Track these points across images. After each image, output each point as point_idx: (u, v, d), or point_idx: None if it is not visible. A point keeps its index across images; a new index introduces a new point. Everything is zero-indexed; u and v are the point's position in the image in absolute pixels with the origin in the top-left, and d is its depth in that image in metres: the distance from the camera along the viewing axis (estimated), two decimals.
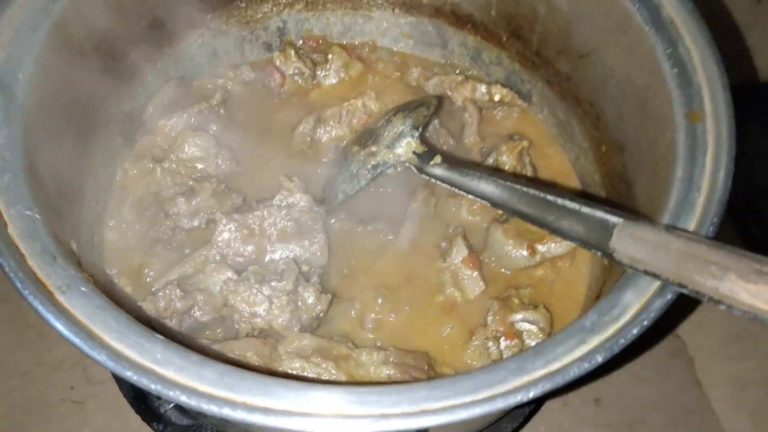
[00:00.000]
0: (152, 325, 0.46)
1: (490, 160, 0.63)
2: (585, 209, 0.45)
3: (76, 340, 0.37)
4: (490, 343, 0.56)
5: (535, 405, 0.64)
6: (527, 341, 0.57)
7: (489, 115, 0.67)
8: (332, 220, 0.61)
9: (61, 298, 0.39)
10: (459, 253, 0.60)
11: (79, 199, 0.54)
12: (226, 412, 0.35)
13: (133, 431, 0.62)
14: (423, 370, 0.55)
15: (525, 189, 0.48)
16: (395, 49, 0.71)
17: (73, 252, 0.47)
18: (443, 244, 0.61)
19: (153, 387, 0.36)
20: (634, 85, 0.53)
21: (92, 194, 0.57)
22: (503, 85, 0.66)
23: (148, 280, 0.57)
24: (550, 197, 0.46)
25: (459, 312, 0.59)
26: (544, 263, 0.60)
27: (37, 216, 0.42)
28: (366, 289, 0.59)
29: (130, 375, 0.36)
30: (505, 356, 0.56)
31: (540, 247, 0.59)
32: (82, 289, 0.40)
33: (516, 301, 0.58)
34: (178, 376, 0.37)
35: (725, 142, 0.46)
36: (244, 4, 0.67)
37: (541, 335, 0.56)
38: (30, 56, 0.48)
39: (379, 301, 0.58)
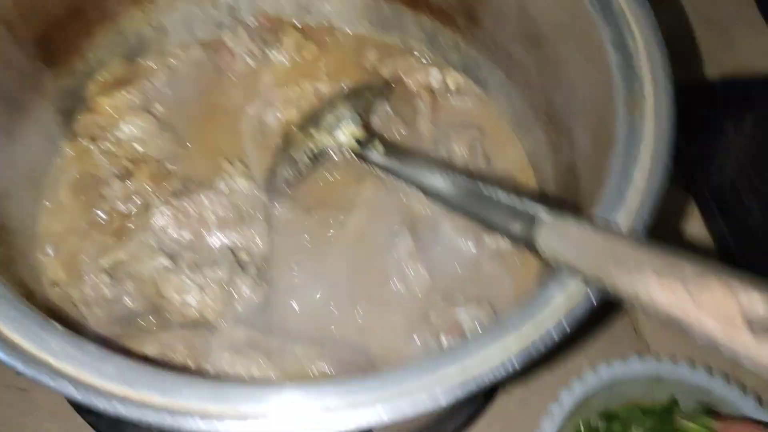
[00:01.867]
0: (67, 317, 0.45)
1: (443, 150, 0.62)
2: (512, 200, 0.44)
3: None
4: (432, 340, 0.55)
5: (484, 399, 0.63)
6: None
7: (444, 103, 0.66)
8: (276, 207, 0.60)
9: None
10: (405, 246, 0.58)
11: (13, 182, 0.53)
12: (118, 408, 0.34)
13: (80, 420, 0.61)
14: (360, 366, 0.54)
15: (458, 179, 0.47)
16: (351, 32, 0.70)
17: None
18: (390, 236, 0.60)
19: (44, 380, 0.35)
20: (584, 76, 0.51)
21: (27, 176, 0.56)
22: (459, 72, 0.65)
23: (83, 266, 0.56)
24: (480, 187, 0.45)
25: (402, 307, 0.57)
26: (493, 258, 0.59)
27: None
28: (307, 280, 0.58)
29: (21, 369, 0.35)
30: None
31: (488, 241, 0.58)
32: None
33: (461, 296, 0.57)
34: (73, 369, 0.36)
35: (664, 134, 0.44)
36: None
37: None
38: None
39: (319, 293, 0.57)
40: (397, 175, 0.52)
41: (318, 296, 0.57)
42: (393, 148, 0.55)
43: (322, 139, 0.57)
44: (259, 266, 0.57)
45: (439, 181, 0.49)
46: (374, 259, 0.58)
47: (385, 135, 0.62)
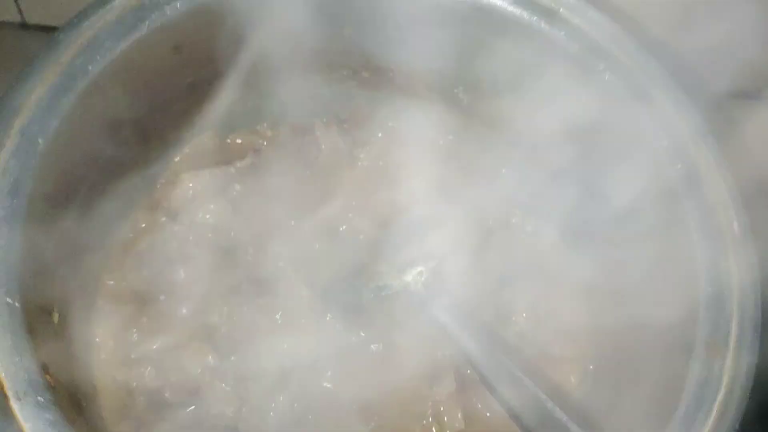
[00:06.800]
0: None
1: None
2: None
3: None
4: None
5: None
6: None
7: None
8: (327, 317, 0.62)
9: (15, 405, 0.41)
10: (447, 385, 0.60)
11: (78, 256, 0.56)
12: None
13: None
14: None
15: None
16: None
17: (52, 324, 0.49)
18: (434, 371, 0.61)
19: None
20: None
21: (96, 248, 0.59)
22: None
23: (133, 338, 0.59)
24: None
25: None
26: None
27: (16, 305, 0.44)
28: (346, 401, 0.60)
29: None
30: None
31: None
32: (39, 398, 0.41)
33: None
34: None
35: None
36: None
37: None
38: (56, 119, 0.50)
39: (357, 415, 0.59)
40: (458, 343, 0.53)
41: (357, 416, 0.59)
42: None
43: (387, 275, 0.59)
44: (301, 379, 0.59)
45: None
46: (414, 391, 0.60)
47: None
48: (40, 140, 0.48)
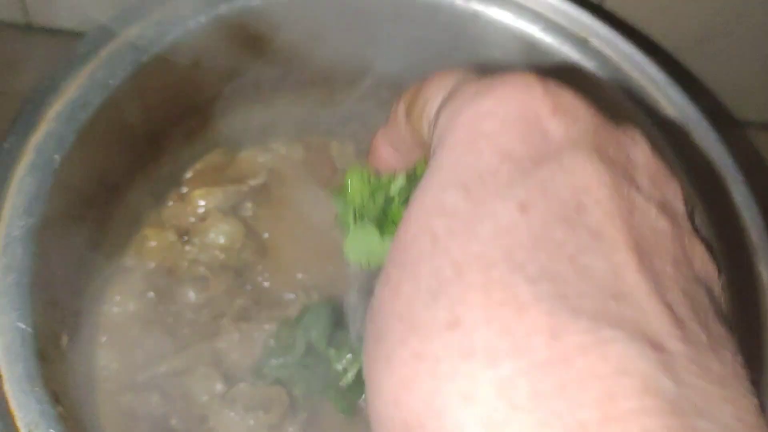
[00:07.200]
0: None
1: None
2: None
3: None
4: None
5: None
6: None
7: None
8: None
9: None
10: None
11: (87, 276, 0.54)
12: None
13: None
14: None
15: None
16: None
17: (61, 349, 0.47)
18: None
19: None
20: None
21: (104, 267, 0.57)
22: None
23: (138, 361, 0.57)
24: None
25: None
26: None
27: (29, 330, 0.42)
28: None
29: None
30: None
31: None
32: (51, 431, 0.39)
33: None
34: None
35: None
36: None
37: None
38: (73, 135, 0.48)
39: None
40: None
41: None
42: None
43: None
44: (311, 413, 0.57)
45: None
46: None
47: None
48: (56, 156, 0.46)
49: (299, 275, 0.62)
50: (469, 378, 0.20)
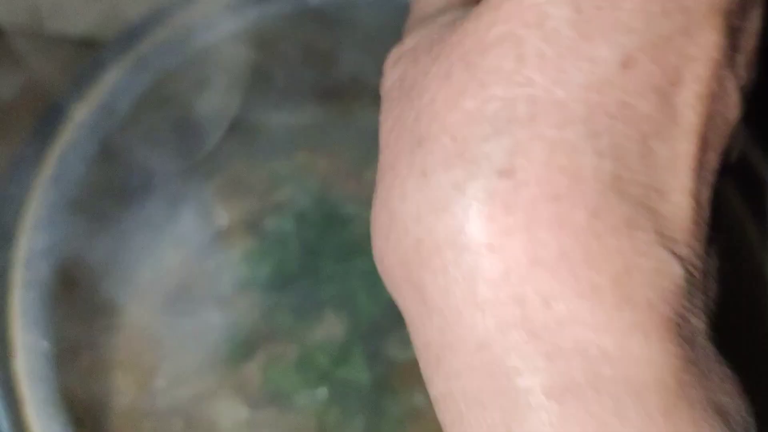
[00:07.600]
0: None
1: None
2: None
3: None
4: None
5: None
6: None
7: None
8: None
9: None
10: None
11: (106, 292, 0.52)
12: None
13: None
14: None
15: None
16: None
17: (80, 370, 0.44)
18: None
19: None
20: None
21: (123, 284, 0.55)
22: None
23: (158, 384, 0.55)
24: None
25: None
26: None
27: (54, 349, 0.39)
28: None
29: None
30: None
31: None
32: None
33: None
34: None
35: None
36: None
37: None
38: (97, 144, 0.46)
39: None
40: None
41: None
42: None
43: None
44: None
45: None
46: None
47: None
48: (80, 167, 0.44)
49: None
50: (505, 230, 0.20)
